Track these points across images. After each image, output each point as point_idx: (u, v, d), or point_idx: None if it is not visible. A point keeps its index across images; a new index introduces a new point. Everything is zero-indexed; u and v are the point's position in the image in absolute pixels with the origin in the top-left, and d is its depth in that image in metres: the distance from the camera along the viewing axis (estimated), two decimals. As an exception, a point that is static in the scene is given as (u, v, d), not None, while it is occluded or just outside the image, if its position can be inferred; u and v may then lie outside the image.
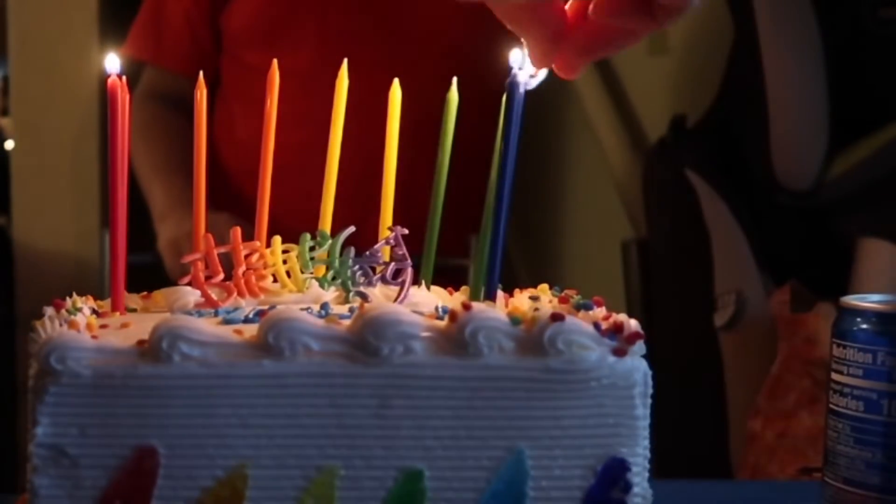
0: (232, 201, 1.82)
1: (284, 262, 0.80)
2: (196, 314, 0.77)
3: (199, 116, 0.83)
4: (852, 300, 0.84)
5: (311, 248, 0.80)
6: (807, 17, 1.77)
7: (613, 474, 0.71)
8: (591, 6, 0.74)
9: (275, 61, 0.84)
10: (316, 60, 1.85)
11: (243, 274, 0.80)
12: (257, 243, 0.81)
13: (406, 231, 0.80)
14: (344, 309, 0.77)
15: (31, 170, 2.25)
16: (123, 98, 0.77)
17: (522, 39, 0.76)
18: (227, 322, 0.75)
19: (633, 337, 0.70)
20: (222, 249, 0.80)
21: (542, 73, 0.78)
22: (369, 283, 0.80)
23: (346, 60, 0.84)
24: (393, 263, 0.80)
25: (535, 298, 0.80)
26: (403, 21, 1.93)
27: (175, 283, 0.81)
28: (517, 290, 0.83)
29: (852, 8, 1.80)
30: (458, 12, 1.95)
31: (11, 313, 2.25)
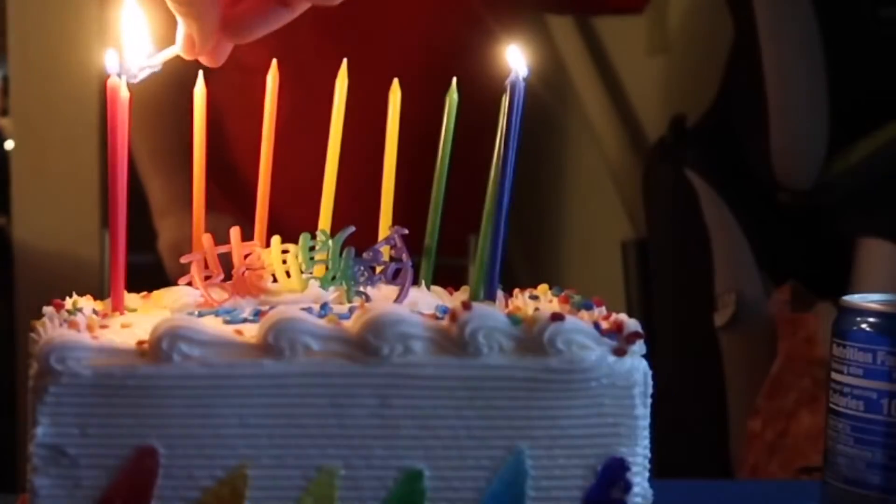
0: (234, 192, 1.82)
1: (284, 261, 0.80)
2: (196, 314, 0.77)
3: (199, 115, 0.83)
4: (852, 300, 0.84)
5: (311, 248, 0.80)
6: (807, 16, 1.77)
7: (613, 474, 0.71)
8: None
9: (274, 61, 0.84)
10: (280, 56, 1.84)
11: (243, 274, 0.80)
12: (256, 243, 0.81)
13: (406, 231, 0.80)
14: (344, 309, 0.77)
15: (31, 170, 2.24)
16: (123, 98, 0.77)
17: (185, 27, 0.76)
18: (227, 322, 0.75)
19: (633, 337, 0.70)
20: (222, 249, 0.80)
21: (158, 66, 0.77)
22: (369, 283, 0.80)
23: (345, 60, 0.84)
24: (393, 263, 0.80)
25: (535, 298, 0.80)
26: (376, 18, 1.92)
27: (175, 284, 0.81)
28: (517, 290, 0.83)
29: (852, 8, 1.80)
30: (430, 8, 1.95)
31: (11, 313, 2.25)
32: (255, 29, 0.77)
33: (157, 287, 0.83)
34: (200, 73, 0.82)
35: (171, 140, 1.91)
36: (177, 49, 0.77)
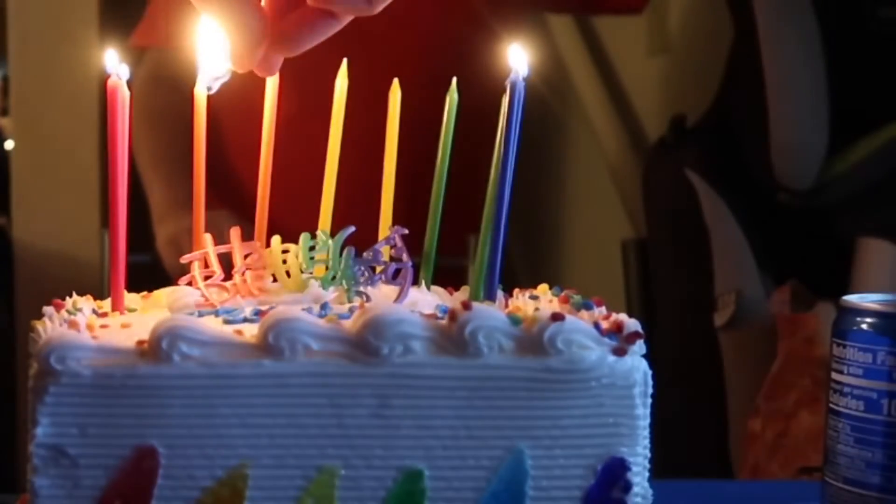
0: (231, 194, 1.82)
1: (284, 261, 0.80)
2: (196, 314, 0.77)
3: (198, 114, 0.83)
4: (852, 300, 0.84)
5: (311, 248, 0.80)
6: (807, 16, 1.77)
7: (613, 474, 0.71)
8: None
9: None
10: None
11: (243, 274, 0.80)
12: (256, 243, 0.81)
13: (406, 231, 0.80)
14: (344, 309, 0.77)
15: (31, 170, 2.25)
16: (123, 98, 0.77)
17: (226, 39, 0.76)
18: (227, 322, 0.75)
19: (633, 337, 0.70)
20: (222, 249, 0.80)
21: (226, 74, 0.78)
22: (369, 283, 0.80)
23: (345, 60, 0.84)
24: (393, 263, 0.80)
25: (535, 298, 0.80)
26: (377, 17, 1.92)
27: (174, 283, 0.81)
28: (517, 290, 0.83)
29: (852, 7, 1.80)
30: (431, 7, 1.95)
31: (11, 313, 2.25)
32: (302, 40, 0.77)
33: (157, 287, 0.83)
34: (201, 73, 0.82)
35: (172, 148, 1.91)
36: (229, 62, 0.78)
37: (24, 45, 2.22)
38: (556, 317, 0.69)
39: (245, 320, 0.75)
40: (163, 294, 0.81)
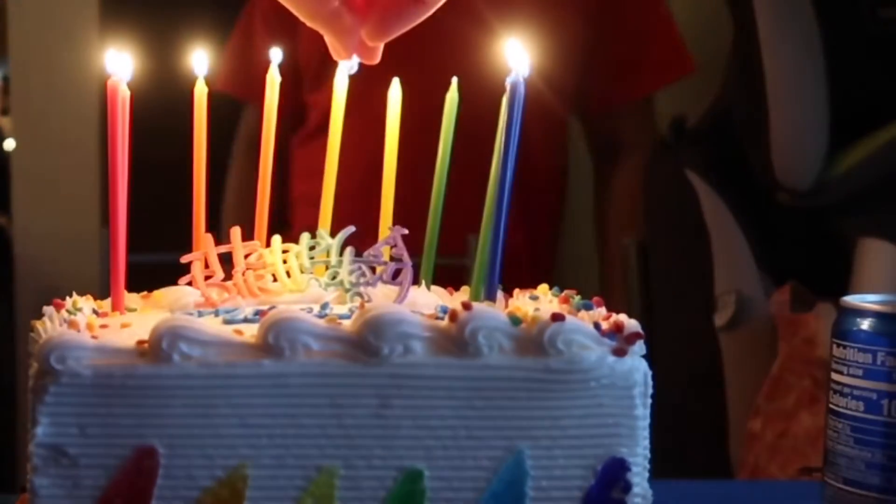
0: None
1: (284, 261, 0.80)
2: (196, 314, 0.77)
3: (199, 114, 0.83)
4: (852, 300, 0.84)
5: (311, 248, 0.80)
6: (807, 16, 1.77)
7: (613, 474, 0.71)
8: None
9: (274, 62, 0.84)
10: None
11: (243, 274, 0.80)
12: (257, 243, 0.81)
13: (406, 231, 0.80)
14: (344, 309, 0.77)
15: (31, 170, 2.25)
16: (123, 98, 0.77)
17: (324, 36, 0.80)
18: (227, 322, 0.75)
19: (633, 337, 0.70)
20: (223, 249, 0.80)
21: (356, 60, 0.82)
22: (369, 283, 0.80)
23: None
24: (393, 263, 0.80)
25: (535, 298, 0.80)
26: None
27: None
28: (517, 290, 0.83)
29: (852, 8, 1.80)
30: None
31: (11, 313, 2.25)
32: (390, 28, 0.80)
33: (157, 287, 0.83)
34: (202, 76, 0.82)
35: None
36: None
37: (24, 45, 2.22)
38: (556, 317, 0.69)
39: (245, 320, 0.75)
40: (163, 294, 0.81)
